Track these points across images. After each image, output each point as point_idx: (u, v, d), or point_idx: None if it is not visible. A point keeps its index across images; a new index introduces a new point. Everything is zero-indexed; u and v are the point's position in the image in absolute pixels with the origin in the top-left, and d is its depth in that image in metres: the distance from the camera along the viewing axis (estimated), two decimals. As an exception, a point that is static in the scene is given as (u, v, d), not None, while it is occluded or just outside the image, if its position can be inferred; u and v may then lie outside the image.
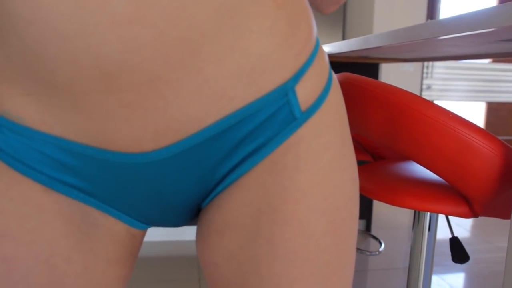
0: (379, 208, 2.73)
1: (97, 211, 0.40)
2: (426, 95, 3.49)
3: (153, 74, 0.31)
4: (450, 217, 2.55)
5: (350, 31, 3.05)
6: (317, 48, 0.41)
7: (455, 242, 0.88)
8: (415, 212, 0.94)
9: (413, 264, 0.95)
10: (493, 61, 3.67)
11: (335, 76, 0.45)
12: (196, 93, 0.33)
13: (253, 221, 0.38)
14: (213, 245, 0.41)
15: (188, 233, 2.13)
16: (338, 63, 2.02)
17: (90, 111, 0.32)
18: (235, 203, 0.39)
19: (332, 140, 0.40)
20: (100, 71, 0.30)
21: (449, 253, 2.07)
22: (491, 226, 2.45)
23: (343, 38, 2.93)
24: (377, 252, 2.02)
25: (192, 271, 1.77)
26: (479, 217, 2.66)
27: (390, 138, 0.71)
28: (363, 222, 2.29)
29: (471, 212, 0.73)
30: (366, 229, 2.29)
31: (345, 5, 2.86)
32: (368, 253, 2.01)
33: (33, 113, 0.34)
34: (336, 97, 0.42)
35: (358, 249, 2.02)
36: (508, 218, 0.75)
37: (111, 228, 0.41)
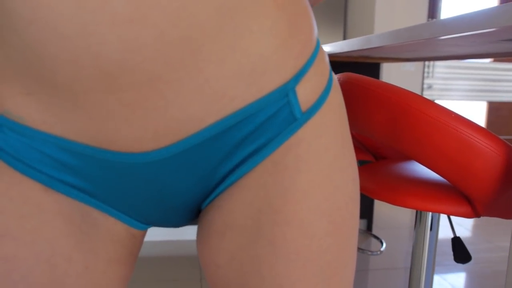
0: (380, 207, 2.73)
1: (97, 211, 0.39)
2: (427, 94, 3.49)
3: (153, 74, 0.31)
4: (451, 217, 2.55)
5: (351, 30, 3.05)
6: (317, 48, 0.41)
7: (457, 242, 0.88)
8: (417, 212, 0.94)
9: (414, 264, 0.95)
10: (494, 61, 3.66)
11: (335, 77, 0.45)
12: (197, 93, 0.33)
13: (254, 222, 0.38)
14: (213, 246, 0.41)
15: (189, 232, 2.13)
16: (339, 63, 2.02)
17: (90, 110, 0.32)
18: (236, 204, 0.39)
19: (333, 140, 0.40)
20: (101, 71, 0.30)
21: (450, 252, 2.06)
22: (492, 225, 2.44)
23: (344, 38, 2.93)
24: (379, 252, 2.02)
25: (193, 271, 1.77)
26: (481, 217, 2.66)
27: (392, 138, 0.70)
28: (365, 221, 2.29)
29: (474, 212, 0.72)
30: (368, 229, 2.29)
31: (346, 4, 2.86)
32: (369, 253, 2.00)
33: (33, 113, 0.34)
34: (336, 97, 0.42)
35: (359, 249, 2.02)
36: (511, 218, 0.75)
37: (111, 228, 0.41)
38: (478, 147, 0.63)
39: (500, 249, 2.12)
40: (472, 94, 3.63)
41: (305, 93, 0.38)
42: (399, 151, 0.72)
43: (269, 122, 0.37)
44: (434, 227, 0.92)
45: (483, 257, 2.01)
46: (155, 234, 2.10)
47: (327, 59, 0.43)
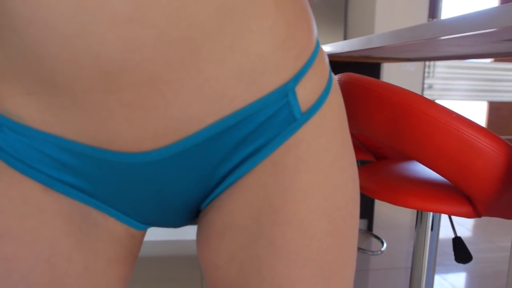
0: (381, 207, 2.73)
1: (97, 211, 0.39)
2: (427, 94, 3.49)
3: (153, 73, 0.31)
4: (452, 217, 2.55)
5: (351, 30, 3.05)
6: (317, 49, 0.41)
7: (458, 242, 0.88)
8: (417, 212, 0.94)
9: (415, 264, 0.95)
10: (495, 61, 3.66)
11: (334, 77, 0.45)
12: (197, 92, 0.33)
13: (254, 222, 0.38)
14: (213, 246, 0.41)
15: (190, 232, 2.13)
16: (339, 63, 2.02)
17: (90, 110, 0.32)
18: (236, 204, 0.39)
19: (332, 140, 0.40)
20: (100, 70, 0.30)
21: (451, 252, 2.06)
22: (493, 225, 2.44)
23: (345, 38, 2.93)
24: (379, 252, 2.02)
25: (194, 271, 1.77)
26: (482, 217, 2.66)
27: (392, 138, 0.70)
28: (365, 221, 2.29)
29: (475, 212, 0.72)
30: (368, 229, 2.29)
31: (346, 4, 2.86)
32: (370, 253, 2.00)
33: (33, 112, 0.34)
34: (336, 98, 0.42)
35: (360, 249, 2.02)
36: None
37: (110, 228, 0.41)
38: (479, 147, 0.63)
39: (501, 249, 2.11)
40: (473, 94, 3.62)
41: (305, 93, 0.38)
42: (399, 151, 0.72)
43: (268, 122, 0.37)
44: (435, 227, 0.92)
45: (484, 257, 2.01)
46: (155, 234, 2.10)
47: (326, 59, 0.43)
